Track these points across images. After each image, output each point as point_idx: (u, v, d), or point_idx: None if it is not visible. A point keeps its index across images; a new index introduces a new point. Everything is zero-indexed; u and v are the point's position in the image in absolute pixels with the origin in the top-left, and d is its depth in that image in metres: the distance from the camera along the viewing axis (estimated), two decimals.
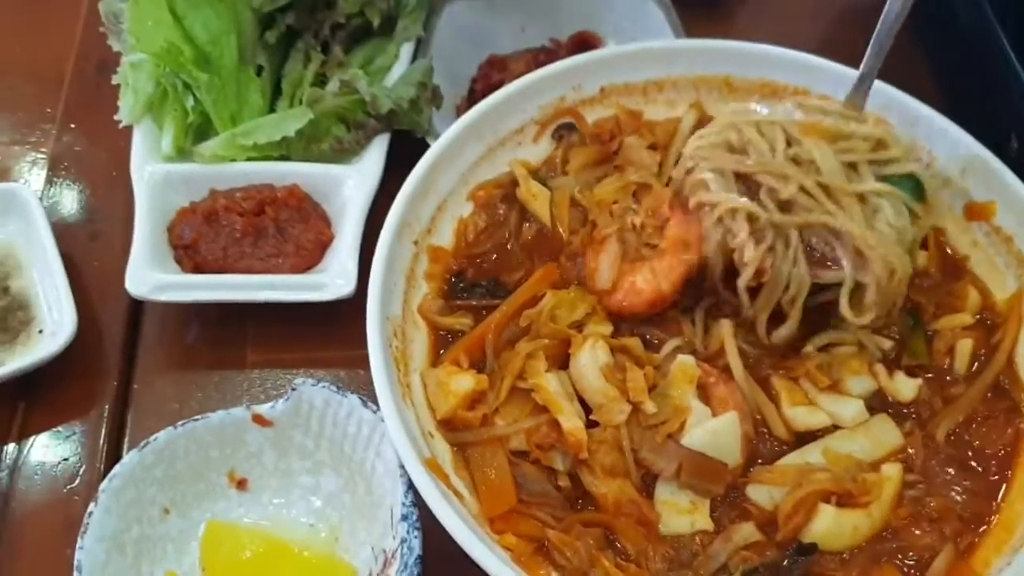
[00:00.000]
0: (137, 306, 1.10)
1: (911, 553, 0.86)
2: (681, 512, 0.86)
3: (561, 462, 0.88)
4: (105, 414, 1.02)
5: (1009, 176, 1.00)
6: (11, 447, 1.00)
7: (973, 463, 0.91)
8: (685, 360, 0.91)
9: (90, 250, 1.13)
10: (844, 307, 0.88)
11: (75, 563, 0.83)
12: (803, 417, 0.90)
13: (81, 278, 1.09)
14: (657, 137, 1.08)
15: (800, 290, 0.89)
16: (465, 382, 0.90)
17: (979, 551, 0.86)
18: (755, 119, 0.91)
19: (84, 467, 0.99)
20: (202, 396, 1.04)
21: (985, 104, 1.12)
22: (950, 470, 0.90)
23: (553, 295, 0.94)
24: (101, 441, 1.01)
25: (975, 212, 1.03)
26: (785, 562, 0.84)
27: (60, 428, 1.01)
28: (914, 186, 0.91)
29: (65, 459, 0.99)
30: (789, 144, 0.89)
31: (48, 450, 1.00)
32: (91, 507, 0.86)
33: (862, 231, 0.86)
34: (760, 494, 0.87)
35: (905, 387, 0.94)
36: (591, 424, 0.89)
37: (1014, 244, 1.00)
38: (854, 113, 0.93)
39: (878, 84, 1.05)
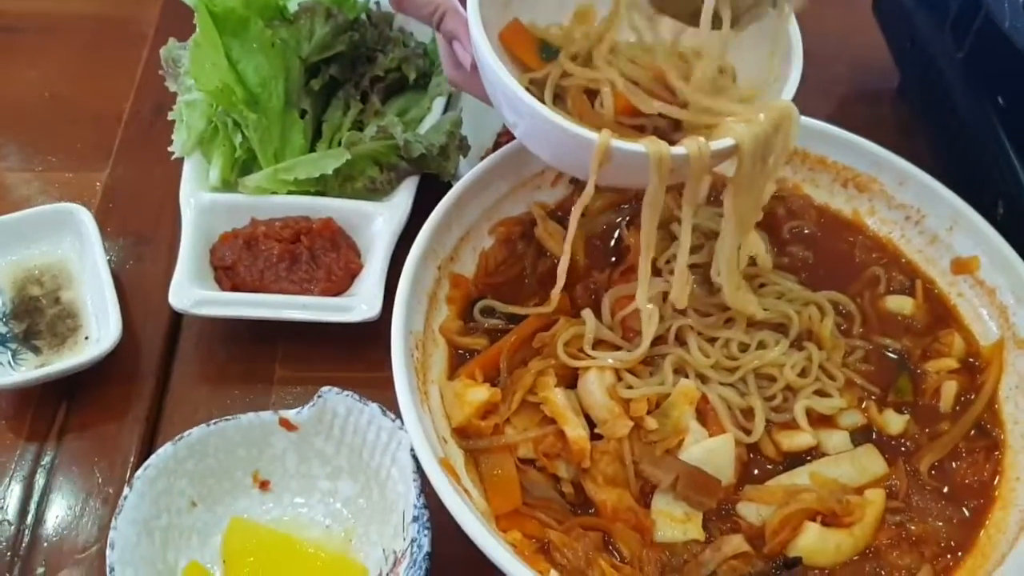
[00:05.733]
0: (176, 322, 1.18)
1: (891, 572, 0.91)
2: (675, 522, 0.92)
3: (565, 470, 0.94)
4: (141, 417, 1.09)
5: (992, 233, 1.08)
6: (52, 442, 1.07)
7: (953, 494, 0.96)
8: (686, 383, 0.97)
9: (136, 270, 1.21)
10: None
11: (109, 540, 0.89)
12: (789, 438, 0.97)
13: (126, 294, 1.17)
14: None
15: None
16: (480, 393, 0.96)
17: (955, 574, 0.91)
18: None
19: (118, 463, 1.05)
20: (231, 406, 1.10)
21: (976, 174, 1.20)
22: (931, 500, 0.96)
23: (567, 322, 1.02)
24: (135, 441, 1.07)
25: (960, 266, 1.10)
26: (771, 572, 0.89)
27: (98, 427, 1.08)
28: None
29: (101, 455, 1.06)
30: None
31: (86, 446, 1.07)
32: (126, 491, 0.93)
33: None
34: (749, 511, 0.93)
35: (893, 422, 1.00)
36: (595, 437, 0.95)
37: (996, 296, 1.07)
38: None
39: (873, 147, 1.15)
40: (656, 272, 1.07)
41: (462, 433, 0.97)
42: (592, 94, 0.94)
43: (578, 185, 1.18)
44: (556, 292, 1.01)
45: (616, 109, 0.92)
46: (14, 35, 1.50)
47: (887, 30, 1.42)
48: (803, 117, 1.16)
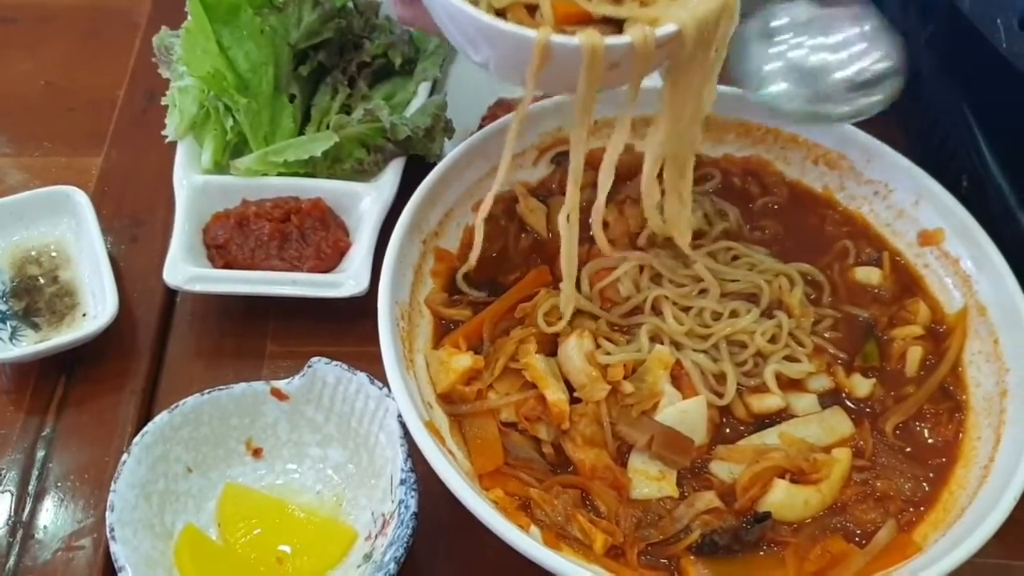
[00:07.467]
0: (171, 300, 1.22)
1: (857, 526, 0.95)
2: (650, 479, 0.96)
3: (546, 432, 0.98)
4: (137, 391, 1.13)
5: (956, 206, 1.12)
6: (52, 415, 1.10)
7: (917, 453, 1.01)
8: (661, 349, 1.02)
9: (131, 251, 1.25)
10: None
11: (108, 503, 0.93)
12: (760, 400, 1.01)
13: (122, 273, 1.20)
14: None
15: None
16: (464, 360, 1.00)
17: (919, 527, 0.95)
18: None
19: (116, 435, 1.09)
20: (224, 380, 1.12)
21: (942, 151, 1.24)
22: (896, 458, 1.00)
23: (548, 293, 1.06)
24: (132, 414, 1.11)
25: (927, 238, 1.14)
26: (743, 526, 0.93)
27: (96, 401, 1.12)
28: None
29: (99, 427, 1.10)
30: None
31: (84, 419, 1.11)
32: (124, 457, 0.97)
33: None
34: (721, 469, 0.98)
35: (860, 385, 1.05)
36: (574, 401, 0.99)
37: (960, 266, 1.11)
38: None
39: (844, 125, 1.19)
40: (634, 247, 1.12)
41: (447, 399, 1.01)
42: (532, 10, 0.92)
43: (560, 166, 1.22)
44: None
45: (556, 18, 0.90)
46: (10, 26, 1.53)
47: None
48: None
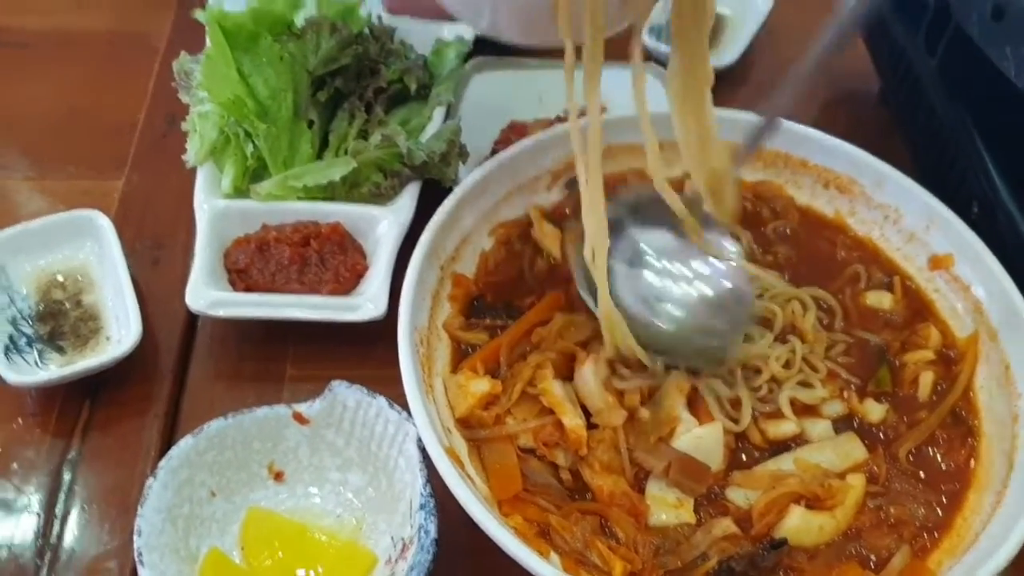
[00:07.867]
0: (192, 324, 1.23)
1: (872, 552, 0.97)
2: (668, 506, 0.98)
3: (563, 458, 1.00)
4: (160, 414, 1.15)
5: (966, 231, 1.14)
6: (77, 438, 1.12)
7: (930, 479, 1.02)
8: (678, 375, 1.03)
9: (153, 274, 1.27)
10: None
11: (135, 527, 0.95)
12: (775, 426, 1.03)
13: (144, 297, 1.22)
14: None
15: None
16: (481, 385, 1.02)
17: (933, 554, 0.97)
18: None
19: (140, 458, 1.11)
20: (245, 404, 1.14)
21: (952, 176, 1.25)
22: (909, 484, 1.01)
23: (563, 316, 1.08)
24: (155, 437, 1.13)
25: (937, 263, 1.16)
26: (759, 552, 0.95)
27: (120, 424, 1.14)
28: None
29: (123, 450, 1.12)
30: None
31: (109, 442, 1.12)
32: (150, 481, 0.98)
33: None
34: (738, 495, 0.99)
35: (874, 410, 1.06)
36: (591, 427, 1.01)
37: (971, 292, 1.13)
38: None
39: (853, 149, 1.21)
40: None
41: (465, 424, 1.02)
42: None
43: (573, 190, 1.23)
44: None
45: None
46: (31, 51, 1.55)
47: (868, 39, 1.48)
48: (787, 122, 1.23)
